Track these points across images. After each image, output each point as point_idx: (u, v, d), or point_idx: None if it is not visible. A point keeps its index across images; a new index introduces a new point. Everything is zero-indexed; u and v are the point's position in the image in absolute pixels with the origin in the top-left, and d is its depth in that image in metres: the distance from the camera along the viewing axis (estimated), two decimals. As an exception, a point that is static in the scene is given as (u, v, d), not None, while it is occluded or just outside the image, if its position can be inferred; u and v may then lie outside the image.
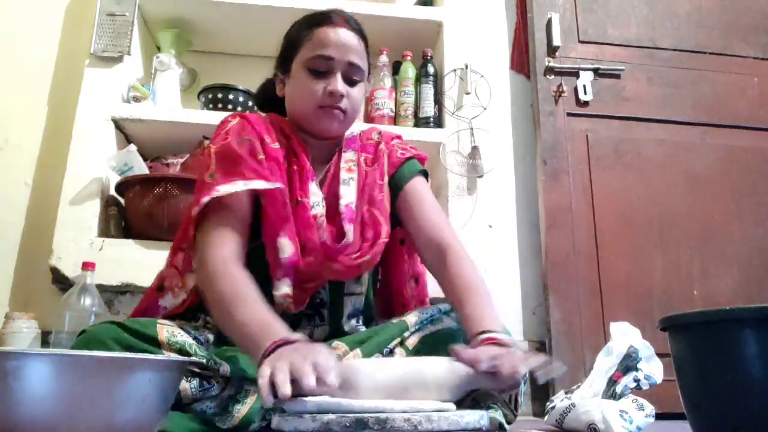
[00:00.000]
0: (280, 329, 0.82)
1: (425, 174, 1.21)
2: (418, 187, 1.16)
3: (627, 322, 1.27)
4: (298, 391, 0.68)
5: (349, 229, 1.06)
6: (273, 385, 0.68)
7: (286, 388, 0.67)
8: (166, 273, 1.10)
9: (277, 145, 1.09)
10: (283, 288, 1.00)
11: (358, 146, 1.19)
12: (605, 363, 1.24)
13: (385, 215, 1.10)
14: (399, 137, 1.25)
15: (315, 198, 1.08)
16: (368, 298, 1.17)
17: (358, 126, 1.26)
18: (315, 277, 1.06)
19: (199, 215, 1.00)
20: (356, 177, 1.13)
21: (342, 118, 1.11)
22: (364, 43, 1.15)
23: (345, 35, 1.10)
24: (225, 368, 0.92)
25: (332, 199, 1.10)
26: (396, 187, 1.15)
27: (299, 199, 1.06)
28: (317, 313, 1.11)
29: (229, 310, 0.88)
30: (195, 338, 0.97)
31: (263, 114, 1.20)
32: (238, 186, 0.99)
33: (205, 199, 0.97)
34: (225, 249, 0.96)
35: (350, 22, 1.13)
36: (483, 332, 0.87)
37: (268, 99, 1.23)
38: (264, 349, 0.78)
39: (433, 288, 1.69)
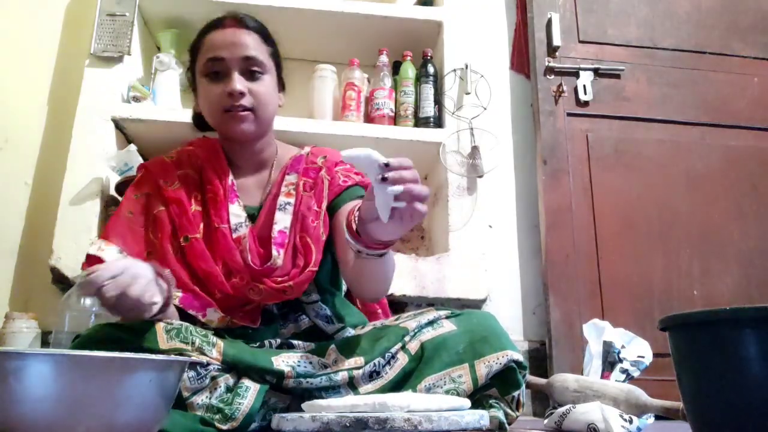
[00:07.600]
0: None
1: None
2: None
3: (596, 319, 1.29)
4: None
5: (278, 253, 1.08)
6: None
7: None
8: None
9: (177, 185, 1.12)
10: (214, 315, 1.06)
11: (302, 169, 1.19)
12: (593, 369, 1.24)
13: (318, 244, 1.11)
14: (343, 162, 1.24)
15: (237, 219, 1.10)
16: (335, 303, 1.18)
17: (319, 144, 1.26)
18: (245, 301, 1.08)
19: None
20: (293, 202, 1.14)
21: (251, 117, 1.10)
22: (262, 37, 1.14)
23: (233, 34, 1.10)
24: (220, 347, 0.93)
25: (269, 222, 1.12)
26: (332, 210, 1.16)
27: (216, 225, 1.09)
28: (280, 317, 1.15)
29: None
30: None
31: (192, 142, 1.23)
32: (109, 251, 1.05)
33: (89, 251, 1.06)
34: None
35: (243, 21, 1.13)
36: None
37: (202, 119, 1.21)
38: None
39: (439, 288, 1.70)
